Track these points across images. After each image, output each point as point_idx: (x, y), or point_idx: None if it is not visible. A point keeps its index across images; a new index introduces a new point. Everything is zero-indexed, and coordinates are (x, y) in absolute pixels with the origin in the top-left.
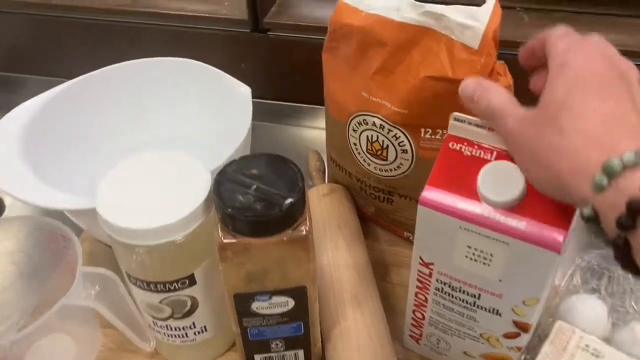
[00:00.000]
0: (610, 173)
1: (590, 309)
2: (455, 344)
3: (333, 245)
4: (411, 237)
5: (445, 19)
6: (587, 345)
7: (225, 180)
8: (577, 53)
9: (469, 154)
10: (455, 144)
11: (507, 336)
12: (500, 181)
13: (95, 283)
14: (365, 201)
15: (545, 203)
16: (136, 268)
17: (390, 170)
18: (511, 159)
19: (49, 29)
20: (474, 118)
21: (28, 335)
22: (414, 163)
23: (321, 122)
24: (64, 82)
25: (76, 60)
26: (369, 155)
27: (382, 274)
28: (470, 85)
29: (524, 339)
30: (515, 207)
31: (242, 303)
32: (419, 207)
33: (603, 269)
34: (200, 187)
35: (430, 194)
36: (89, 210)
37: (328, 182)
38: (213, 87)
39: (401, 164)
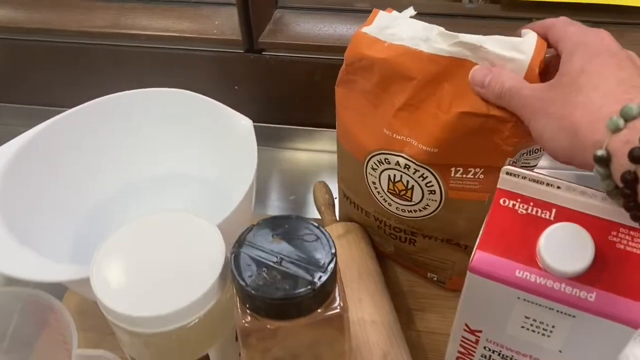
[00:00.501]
0: (627, 116)
1: None
2: None
3: (357, 299)
4: (435, 279)
5: (483, 50)
6: None
7: (244, 253)
8: (591, 35)
9: (524, 212)
10: (507, 201)
11: None
12: (566, 247)
13: None
14: (383, 239)
15: (617, 269)
16: (140, 352)
17: (415, 211)
18: (575, 219)
19: (24, 54)
20: (529, 172)
21: None
22: (442, 204)
23: (323, 145)
24: (42, 110)
25: (55, 86)
26: (390, 195)
27: (404, 322)
28: (480, 70)
29: None
30: (583, 276)
31: None
32: (468, 274)
33: None
34: (213, 257)
35: (482, 259)
36: (79, 280)
37: (340, 218)
38: (211, 120)
39: (428, 204)
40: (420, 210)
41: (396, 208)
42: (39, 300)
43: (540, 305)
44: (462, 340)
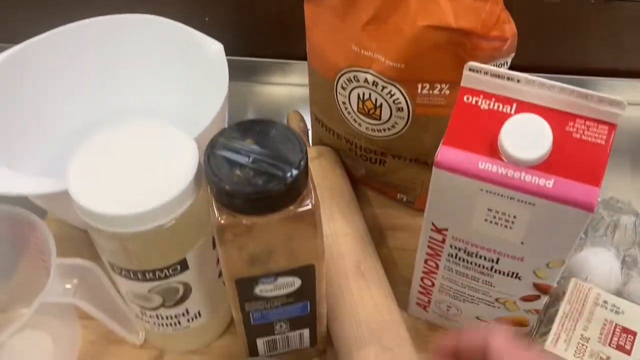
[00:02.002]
0: None
1: (602, 262)
2: (467, 309)
3: (328, 215)
4: (405, 199)
5: None
6: (605, 302)
7: (218, 153)
8: None
9: (486, 107)
10: (470, 97)
11: (526, 299)
12: (526, 136)
13: (73, 276)
14: (354, 162)
15: (574, 157)
16: (119, 257)
17: (384, 130)
18: (534, 112)
19: None
20: (491, 67)
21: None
22: (409, 121)
23: (299, 79)
24: (6, 47)
25: (18, 22)
26: (360, 115)
27: (377, 240)
28: None
29: (543, 301)
30: (542, 164)
31: (245, 288)
32: (434, 169)
33: (611, 218)
34: (187, 161)
35: (446, 154)
36: (56, 194)
37: (313, 144)
38: (181, 46)
39: (396, 122)
40: (388, 129)
41: (366, 128)
42: (20, 218)
43: (501, 195)
44: (429, 241)
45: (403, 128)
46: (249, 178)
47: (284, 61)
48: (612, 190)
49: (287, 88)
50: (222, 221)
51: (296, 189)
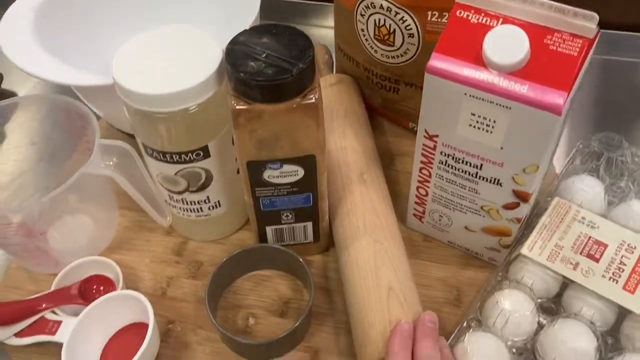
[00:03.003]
0: None
1: (588, 187)
2: (456, 219)
3: (340, 132)
4: (415, 128)
5: None
6: (583, 218)
7: (237, 49)
8: None
9: (475, 21)
10: (462, 12)
11: (507, 207)
12: (505, 45)
13: (113, 155)
14: (372, 92)
15: (548, 67)
16: (152, 138)
17: (397, 56)
18: (517, 26)
19: None
20: None
21: (50, 204)
22: (420, 48)
23: (330, 21)
24: None
25: None
26: (376, 42)
27: (387, 163)
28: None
29: (524, 210)
30: (519, 72)
31: (255, 171)
32: (426, 75)
33: (602, 151)
34: (212, 58)
35: (436, 61)
36: (106, 88)
37: (336, 73)
38: None
39: (408, 49)
40: (401, 56)
41: (382, 55)
42: (73, 109)
43: (483, 100)
44: (423, 149)
45: (414, 54)
46: (262, 69)
47: (317, 3)
48: (606, 127)
49: (317, 29)
50: (237, 107)
51: (301, 83)
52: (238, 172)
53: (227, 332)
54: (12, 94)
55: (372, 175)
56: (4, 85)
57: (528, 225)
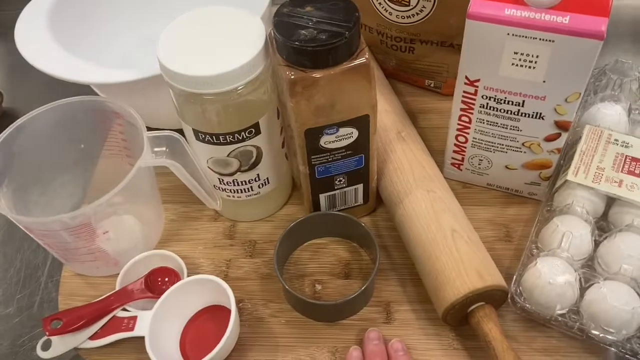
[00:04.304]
0: None
1: (612, 112)
2: (497, 159)
3: None
4: (432, 84)
5: None
6: (616, 140)
7: (284, 21)
8: None
9: None
10: None
11: (548, 139)
12: None
13: (162, 144)
14: (385, 56)
15: None
16: (203, 122)
17: (412, 16)
18: None
19: None
20: None
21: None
22: (435, 4)
23: None
24: None
25: None
26: (390, 4)
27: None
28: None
29: (563, 139)
30: (558, 5)
31: (312, 139)
32: (467, 21)
33: (617, 77)
34: (256, 36)
35: (477, 6)
36: (127, 84)
37: None
38: None
39: (423, 7)
40: (417, 14)
41: (396, 16)
42: (105, 107)
43: (525, 37)
44: (463, 96)
45: (430, 11)
46: (314, 36)
47: None
48: (616, 54)
49: None
50: (293, 76)
51: (354, 44)
52: (283, 145)
53: (304, 297)
54: (13, 112)
55: (408, 132)
56: (5, 104)
57: (563, 156)
